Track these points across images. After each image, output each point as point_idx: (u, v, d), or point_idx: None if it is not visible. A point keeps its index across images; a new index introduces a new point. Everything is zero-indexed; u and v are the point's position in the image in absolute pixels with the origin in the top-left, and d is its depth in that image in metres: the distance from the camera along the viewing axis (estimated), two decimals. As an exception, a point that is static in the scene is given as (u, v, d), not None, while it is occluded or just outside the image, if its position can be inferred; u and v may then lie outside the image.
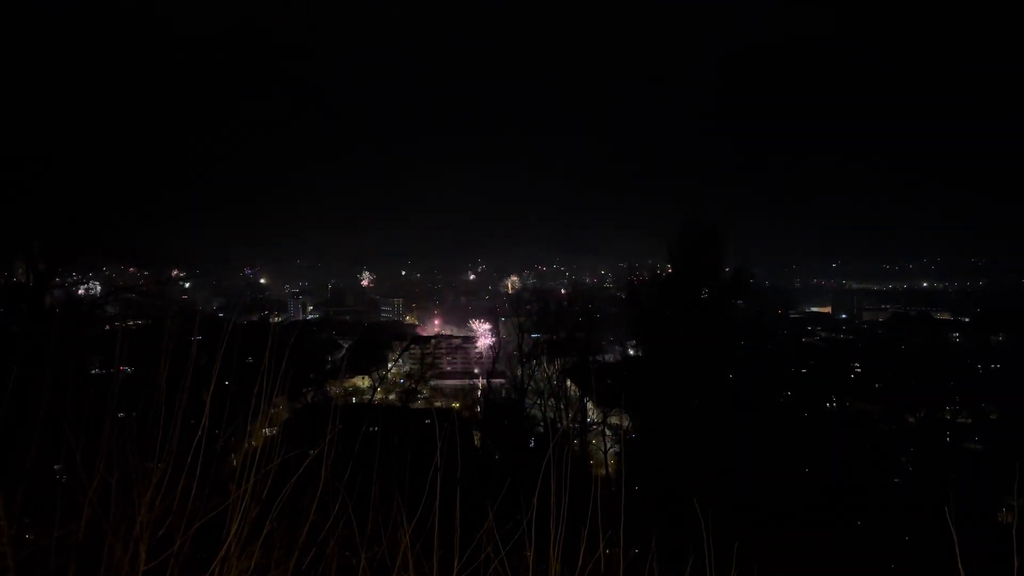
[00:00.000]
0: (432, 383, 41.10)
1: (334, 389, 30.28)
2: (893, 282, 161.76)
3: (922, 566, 17.72)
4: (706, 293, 27.44)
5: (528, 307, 33.87)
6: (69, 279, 19.22)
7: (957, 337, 72.38)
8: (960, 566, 2.79)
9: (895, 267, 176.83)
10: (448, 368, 55.83)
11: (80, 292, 20.91)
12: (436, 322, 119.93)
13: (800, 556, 17.08)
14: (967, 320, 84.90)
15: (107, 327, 19.15)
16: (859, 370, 45.50)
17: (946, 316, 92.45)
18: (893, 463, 24.60)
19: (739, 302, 29.34)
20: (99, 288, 21.70)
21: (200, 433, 3.24)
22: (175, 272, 22.20)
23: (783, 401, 28.34)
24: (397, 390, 35.46)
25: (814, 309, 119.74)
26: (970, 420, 34.52)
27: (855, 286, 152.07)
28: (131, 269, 22.69)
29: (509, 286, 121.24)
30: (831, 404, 33.18)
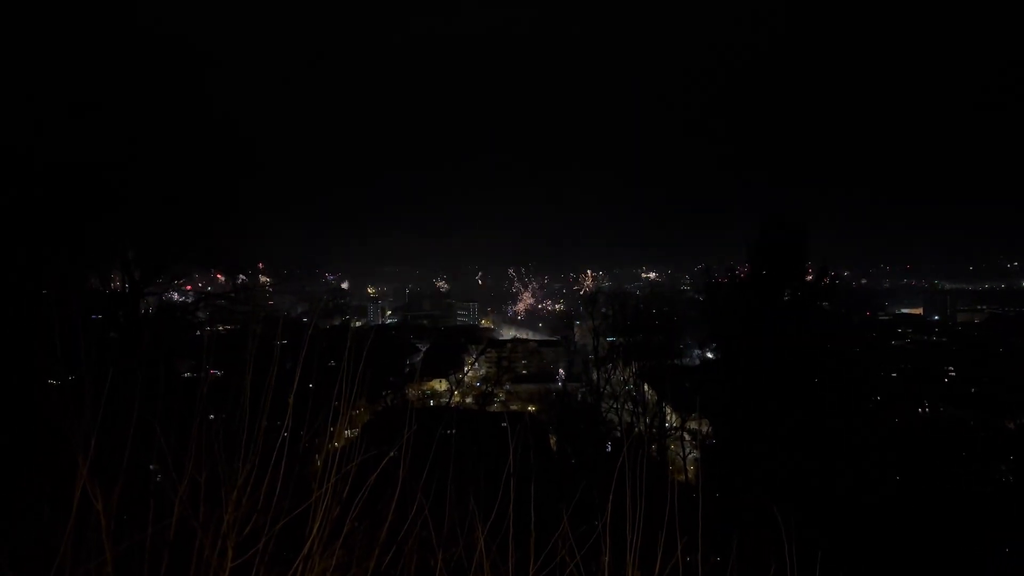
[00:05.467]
0: (508, 387, 41.29)
1: (412, 392, 30.80)
2: (989, 282, 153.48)
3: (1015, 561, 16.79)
4: (788, 295, 26.61)
5: (604, 310, 33.59)
6: (162, 286, 20.11)
7: (1059, 339, 68.11)
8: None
9: (992, 265, 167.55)
10: (524, 372, 55.93)
11: (172, 299, 21.86)
12: (512, 326, 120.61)
13: (888, 565, 16.41)
14: (1072, 321, 79.93)
15: (198, 332, 19.99)
16: (953, 374, 43.45)
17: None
18: (991, 471, 23.31)
19: (824, 304, 28.33)
20: (187, 294, 22.63)
21: (284, 434, 3.34)
22: (262, 279, 22.96)
23: (872, 407, 27.21)
24: (474, 393, 35.82)
25: (904, 311, 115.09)
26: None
27: (948, 286, 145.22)
28: (220, 276, 23.61)
29: (585, 289, 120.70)
30: (924, 410, 31.74)
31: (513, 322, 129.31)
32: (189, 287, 22.22)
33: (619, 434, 25.09)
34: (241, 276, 22.17)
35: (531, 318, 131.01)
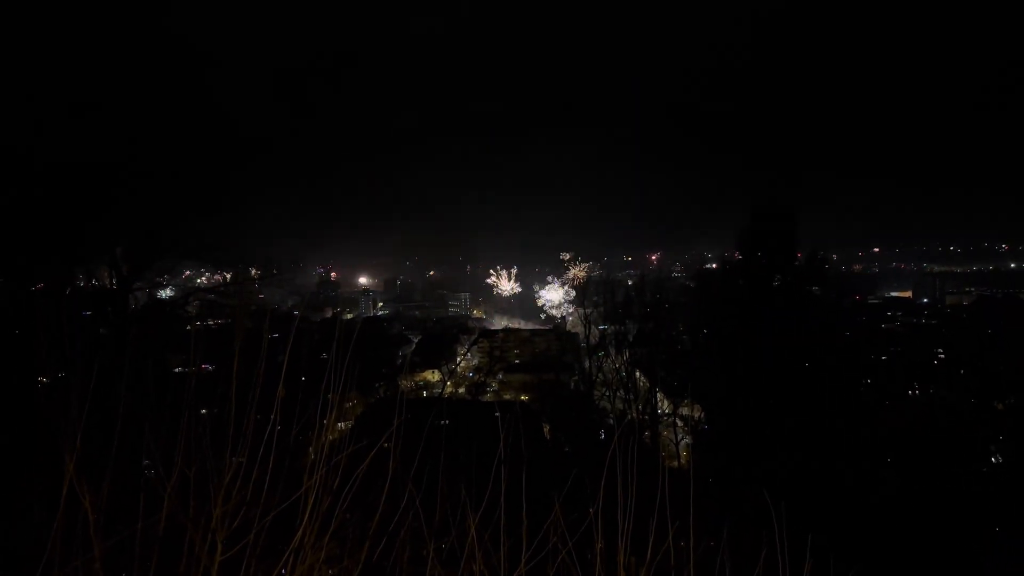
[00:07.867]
0: (500, 376, 41.29)
1: (405, 383, 30.76)
2: (978, 264, 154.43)
3: (1012, 557, 16.91)
4: (779, 280, 26.68)
5: (595, 299, 33.61)
6: (150, 281, 19.95)
7: (1048, 320, 68.57)
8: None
9: (979, 248, 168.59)
10: (517, 361, 55.97)
11: (161, 294, 21.69)
12: (503, 316, 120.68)
13: (879, 549, 16.51)
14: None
15: (187, 327, 19.85)
16: (943, 356, 43.63)
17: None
18: (981, 452, 23.47)
19: (814, 288, 28.42)
20: (174, 288, 22.44)
21: (274, 427, 3.31)
22: (252, 272, 22.82)
23: (863, 389, 27.34)
24: (466, 384, 35.82)
25: (894, 294, 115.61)
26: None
27: (937, 269, 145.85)
28: (217, 272, 23.45)
29: (575, 278, 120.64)
30: (914, 392, 31.89)
31: (505, 312, 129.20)
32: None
33: (611, 421, 25.13)
34: (231, 271, 22.03)
35: (523, 307, 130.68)
